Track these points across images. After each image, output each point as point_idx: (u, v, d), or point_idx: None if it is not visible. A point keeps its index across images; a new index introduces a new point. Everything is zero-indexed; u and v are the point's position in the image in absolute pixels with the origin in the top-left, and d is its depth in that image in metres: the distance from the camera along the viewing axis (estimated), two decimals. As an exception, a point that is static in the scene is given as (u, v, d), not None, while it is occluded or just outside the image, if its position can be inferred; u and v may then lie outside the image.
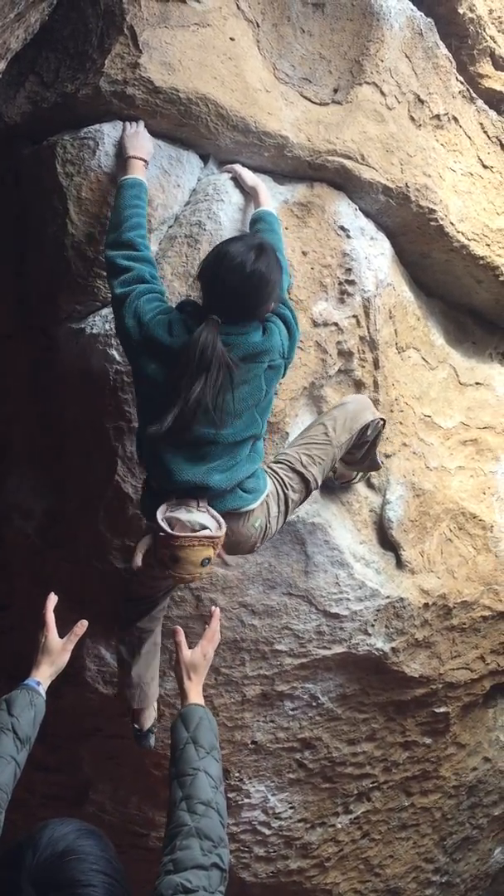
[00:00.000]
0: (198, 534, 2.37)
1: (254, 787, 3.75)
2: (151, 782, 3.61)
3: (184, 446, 2.43)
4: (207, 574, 2.50)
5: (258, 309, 2.47)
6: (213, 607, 2.44)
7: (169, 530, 2.37)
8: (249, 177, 2.96)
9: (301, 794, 3.90)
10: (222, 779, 1.99)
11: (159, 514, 2.39)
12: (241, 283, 2.38)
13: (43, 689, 2.25)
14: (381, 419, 3.02)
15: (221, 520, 2.44)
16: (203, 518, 2.41)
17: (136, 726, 3.20)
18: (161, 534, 2.38)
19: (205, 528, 2.39)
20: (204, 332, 2.34)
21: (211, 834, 1.78)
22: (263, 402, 2.54)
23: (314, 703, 3.65)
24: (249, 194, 2.95)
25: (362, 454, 3.08)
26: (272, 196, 3.05)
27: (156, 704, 3.25)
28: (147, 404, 2.51)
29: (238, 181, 2.97)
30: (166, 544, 2.38)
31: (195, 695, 2.21)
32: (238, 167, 2.99)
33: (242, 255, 2.38)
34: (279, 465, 2.76)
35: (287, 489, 2.71)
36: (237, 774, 3.68)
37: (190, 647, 2.28)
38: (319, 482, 2.83)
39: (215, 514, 2.44)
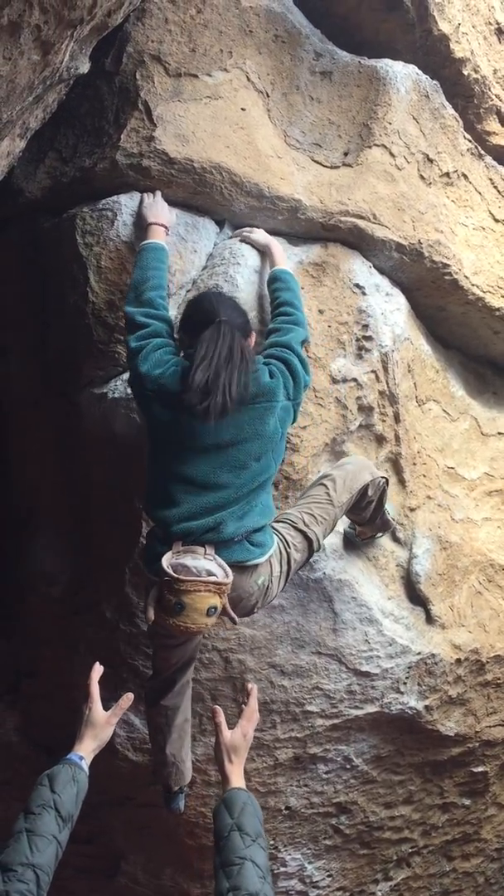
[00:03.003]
0: (204, 579, 2.35)
1: (290, 854, 3.65)
2: (185, 852, 3.52)
3: (203, 493, 2.46)
4: (213, 626, 2.42)
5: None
6: (251, 685, 2.38)
7: (174, 574, 2.34)
8: (262, 237, 3.04)
9: (338, 861, 3.79)
10: (269, 867, 1.93)
11: (165, 561, 2.37)
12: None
13: (86, 765, 2.18)
14: (383, 478, 3.05)
15: (228, 568, 2.41)
16: (210, 565, 2.39)
17: (164, 788, 3.12)
18: (166, 578, 2.35)
19: (211, 574, 2.37)
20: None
21: None
22: (278, 443, 2.58)
23: (348, 766, 3.56)
24: (265, 254, 3.01)
25: (370, 513, 3.10)
26: (287, 258, 3.10)
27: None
28: (159, 449, 2.56)
29: (252, 244, 3.04)
30: (171, 589, 2.34)
31: (237, 778, 2.15)
32: (246, 230, 3.07)
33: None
34: (281, 525, 2.75)
35: (290, 548, 2.70)
36: (272, 842, 3.59)
37: (230, 728, 2.23)
38: (322, 542, 2.82)
39: (222, 562, 2.42)
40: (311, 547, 2.77)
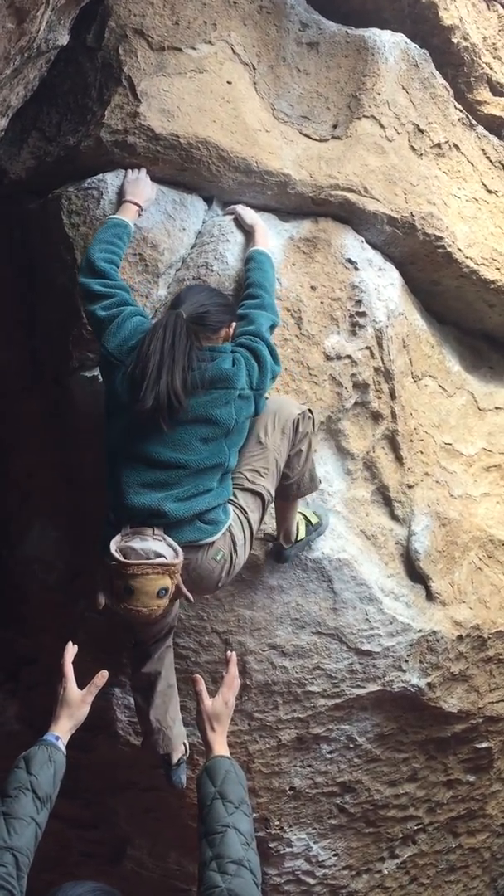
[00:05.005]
0: (152, 561, 2.31)
1: (295, 834, 3.65)
2: (190, 835, 3.50)
3: (146, 469, 2.44)
4: (164, 609, 2.38)
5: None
6: (229, 652, 2.38)
7: (121, 558, 2.31)
8: (248, 216, 2.99)
9: (344, 840, 3.79)
10: (253, 834, 1.92)
11: (113, 545, 2.34)
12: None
13: (62, 744, 2.18)
14: (309, 410, 2.81)
15: (178, 548, 2.38)
16: (158, 546, 2.35)
17: (160, 760, 3.10)
18: (113, 563, 2.32)
19: (160, 555, 2.33)
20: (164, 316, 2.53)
21: (244, 895, 1.72)
22: (234, 432, 2.53)
23: (351, 745, 3.56)
24: (249, 233, 2.97)
25: (301, 464, 2.80)
26: (277, 233, 3.06)
27: (185, 741, 3.15)
28: (112, 423, 2.54)
29: (239, 221, 3.00)
30: (119, 574, 2.31)
31: (220, 746, 2.14)
32: (239, 207, 3.02)
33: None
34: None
35: (246, 512, 2.63)
36: (277, 823, 3.59)
37: (210, 696, 2.22)
38: (272, 492, 2.72)
39: (172, 542, 2.38)
40: (265, 501, 2.70)
